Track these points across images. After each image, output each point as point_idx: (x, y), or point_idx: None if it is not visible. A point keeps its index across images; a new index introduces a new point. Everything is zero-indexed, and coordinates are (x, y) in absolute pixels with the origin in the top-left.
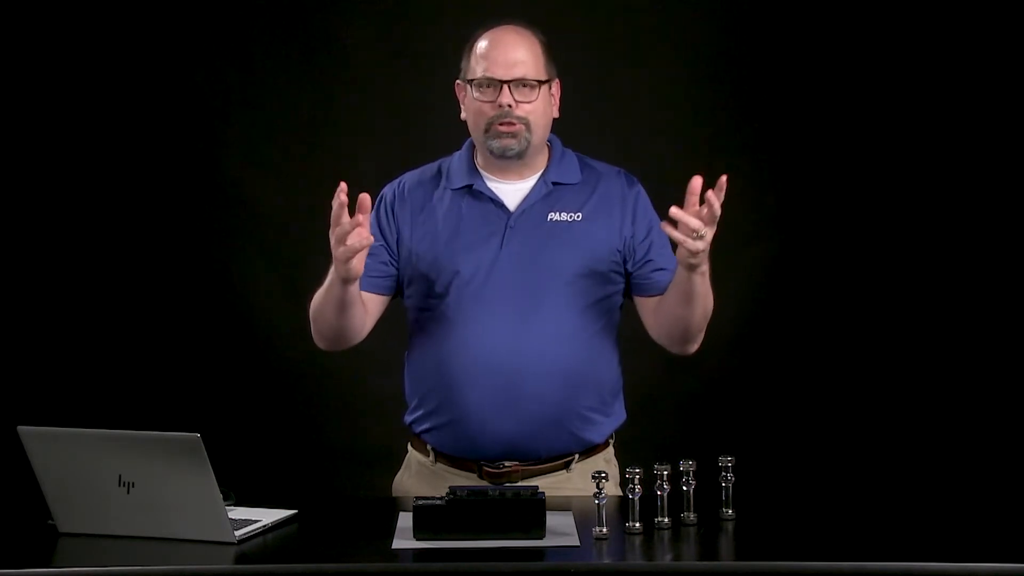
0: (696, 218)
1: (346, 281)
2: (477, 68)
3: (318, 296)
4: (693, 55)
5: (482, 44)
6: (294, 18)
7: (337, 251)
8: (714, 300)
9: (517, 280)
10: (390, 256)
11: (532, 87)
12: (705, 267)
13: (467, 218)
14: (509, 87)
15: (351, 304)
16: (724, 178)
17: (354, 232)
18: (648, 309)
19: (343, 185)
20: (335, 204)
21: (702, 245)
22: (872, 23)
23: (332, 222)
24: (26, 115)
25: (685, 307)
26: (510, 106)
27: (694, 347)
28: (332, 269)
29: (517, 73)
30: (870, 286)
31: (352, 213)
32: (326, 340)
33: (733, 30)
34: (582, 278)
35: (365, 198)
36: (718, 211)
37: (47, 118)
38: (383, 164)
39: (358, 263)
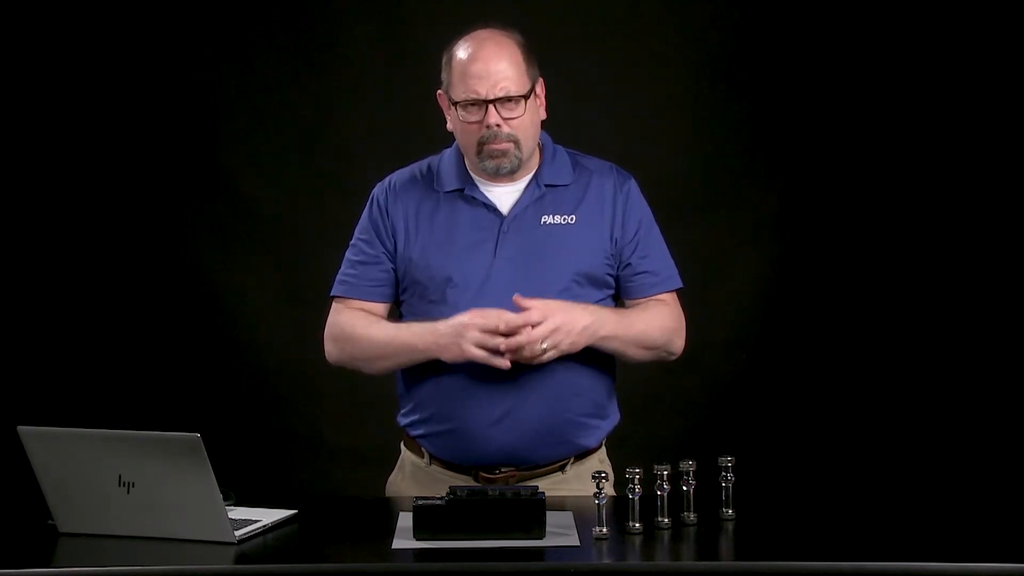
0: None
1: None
2: (459, 87)
3: (378, 344)
4: (694, 56)
5: (461, 57)
6: (294, 18)
7: (469, 349)
8: (713, 301)
9: (513, 286)
10: (390, 262)
11: (518, 101)
12: (604, 331)
13: (460, 223)
14: (495, 105)
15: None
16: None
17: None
18: None
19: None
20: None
21: (551, 353)
22: (873, 24)
23: (487, 323)
24: (26, 115)
25: (617, 354)
26: (498, 125)
27: (671, 358)
28: (435, 339)
29: (501, 90)
30: (870, 287)
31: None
32: (355, 368)
33: (734, 31)
34: (578, 283)
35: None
36: (539, 317)
37: (47, 118)
38: (383, 164)
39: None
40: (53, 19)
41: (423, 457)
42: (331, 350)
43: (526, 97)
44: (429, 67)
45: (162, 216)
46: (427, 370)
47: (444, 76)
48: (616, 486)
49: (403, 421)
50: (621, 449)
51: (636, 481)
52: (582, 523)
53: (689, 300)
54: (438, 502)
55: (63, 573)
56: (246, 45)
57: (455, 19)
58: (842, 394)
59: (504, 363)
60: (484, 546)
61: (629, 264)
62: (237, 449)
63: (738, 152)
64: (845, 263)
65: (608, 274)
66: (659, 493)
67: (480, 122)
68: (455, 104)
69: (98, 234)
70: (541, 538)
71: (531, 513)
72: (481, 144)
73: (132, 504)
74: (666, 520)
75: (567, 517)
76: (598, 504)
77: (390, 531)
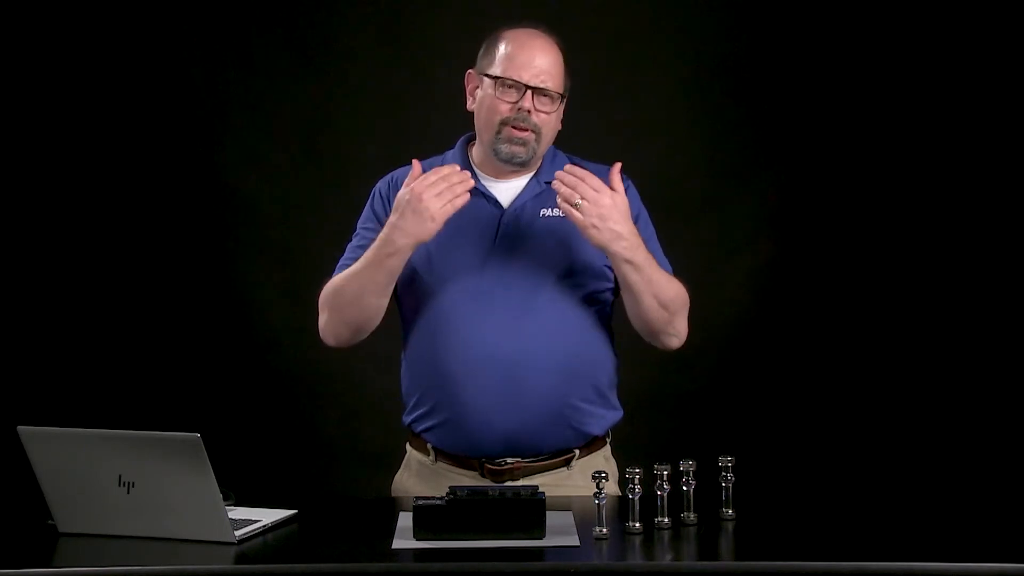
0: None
1: (419, 242)
2: (501, 66)
3: (350, 277)
4: (694, 57)
5: (510, 43)
6: (294, 18)
7: (436, 208)
8: (713, 300)
9: (511, 276)
10: None
11: (553, 98)
12: (632, 255)
13: (460, 214)
14: (532, 93)
15: (395, 280)
16: (617, 165)
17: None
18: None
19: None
20: (436, 168)
21: (576, 214)
22: (872, 24)
23: (425, 177)
24: (26, 115)
25: (630, 299)
26: (529, 112)
27: (674, 341)
28: (390, 235)
29: (542, 82)
30: (868, 287)
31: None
32: (349, 329)
33: (733, 32)
34: (575, 273)
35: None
36: (598, 188)
37: (47, 118)
38: (383, 164)
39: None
40: (53, 19)
41: (428, 455)
42: (324, 324)
43: (562, 98)
44: (429, 67)
45: (162, 216)
46: (428, 361)
47: (483, 57)
48: (618, 485)
49: (408, 419)
50: (620, 448)
51: (636, 481)
52: (582, 523)
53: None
54: (438, 502)
55: (63, 573)
56: (246, 45)
57: (455, 20)
58: (842, 394)
59: (467, 182)
60: (484, 546)
61: None
62: (237, 449)
63: (738, 152)
64: (844, 263)
65: (606, 265)
66: (659, 493)
67: (514, 103)
68: (494, 79)
69: (97, 234)
70: (541, 538)
71: (531, 513)
72: (504, 124)
73: (132, 504)
74: (666, 520)
75: (567, 517)
76: (598, 504)
77: (390, 531)
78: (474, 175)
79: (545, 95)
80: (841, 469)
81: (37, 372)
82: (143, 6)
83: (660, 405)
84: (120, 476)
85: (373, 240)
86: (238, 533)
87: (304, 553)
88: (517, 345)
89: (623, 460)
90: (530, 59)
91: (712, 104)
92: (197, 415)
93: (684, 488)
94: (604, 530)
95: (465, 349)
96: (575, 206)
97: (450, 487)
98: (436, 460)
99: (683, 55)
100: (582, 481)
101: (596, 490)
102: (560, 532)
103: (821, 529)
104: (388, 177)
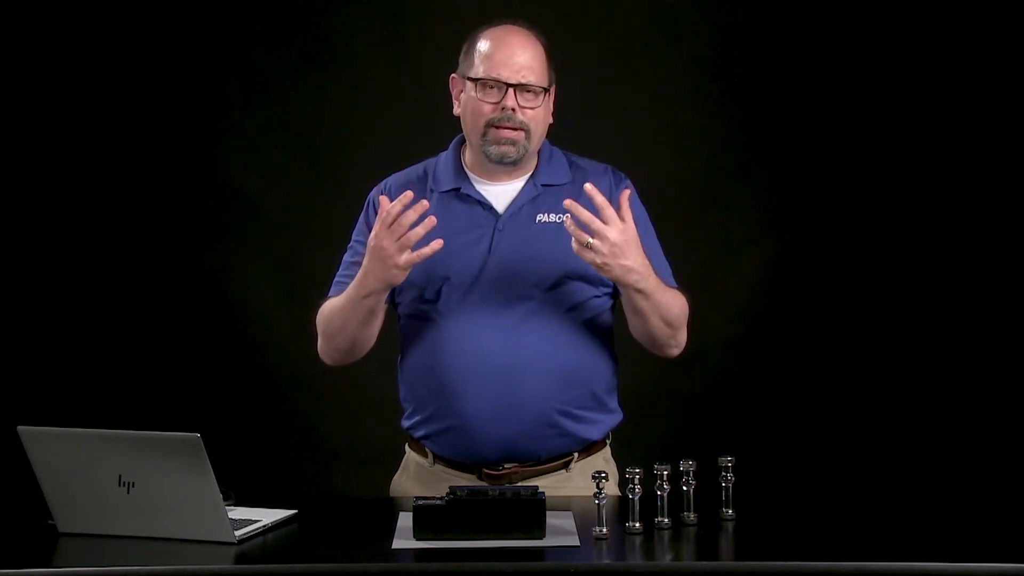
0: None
1: (389, 286)
2: (481, 67)
3: (336, 310)
4: (695, 56)
5: (487, 42)
6: (294, 18)
7: (400, 258)
8: (714, 301)
9: (506, 283)
10: None
11: (537, 93)
12: (643, 285)
13: (455, 222)
14: (514, 91)
15: (380, 311)
16: (625, 193)
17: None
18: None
19: (409, 194)
20: (392, 207)
21: (588, 254)
22: (873, 24)
23: (385, 223)
24: (26, 115)
25: (636, 320)
26: (513, 110)
27: (674, 351)
28: (364, 279)
29: (523, 78)
30: (870, 287)
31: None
32: (341, 353)
33: (735, 31)
34: (571, 279)
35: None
36: (609, 220)
37: (47, 118)
38: (383, 164)
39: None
40: (53, 19)
41: (427, 457)
42: (320, 347)
43: (545, 90)
44: (429, 67)
45: (162, 216)
46: (425, 369)
47: (464, 59)
48: (618, 486)
49: (406, 424)
50: (620, 449)
51: (636, 481)
52: (582, 523)
53: (689, 300)
54: (438, 502)
55: (63, 573)
56: (246, 45)
57: (455, 20)
58: (842, 394)
59: (429, 222)
60: (484, 546)
61: None
62: (237, 449)
63: (738, 152)
64: (845, 262)
65: None
66: (659, 493)
67: (497, 103)
68: (475, 81)
69: (98, 234)
70: (541, 538)
71: (531, 513)
72: (490, 126)
73: (132, 504)
74: (666, 520)
75: (567, 517)
76: (598, 504)
77: (390, 531)
78: (467, 179)
79: (528, 90)
80: (841, 469)
81: (37, 372)
82: (144, 6)
83: (660, 406)
84: (120, 476)
85: (364, 255)
86: (238, 533)
87: (304, 553)
88: (514, 353)
89: (624, 460)
90: (509, 56)
91: (713, 104)
92: (197, 415)
93: (684, 488)
94: (604, 530)
95: (462, 358)
96: (586, 246)
97: (450, 487)
98: (434, 463)
99: (684, 55)
100: (582, 482)
101: (596, 490)
102: (560, 532)
103: (821, 529)
104: (381, 185)
